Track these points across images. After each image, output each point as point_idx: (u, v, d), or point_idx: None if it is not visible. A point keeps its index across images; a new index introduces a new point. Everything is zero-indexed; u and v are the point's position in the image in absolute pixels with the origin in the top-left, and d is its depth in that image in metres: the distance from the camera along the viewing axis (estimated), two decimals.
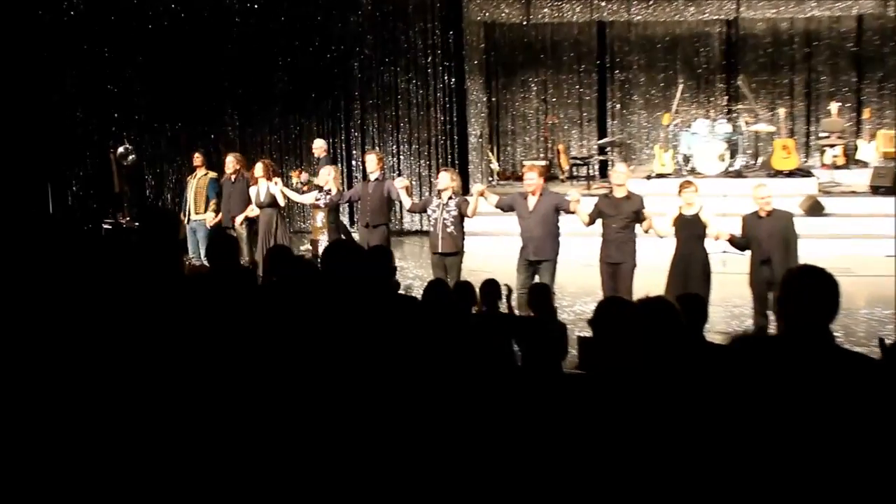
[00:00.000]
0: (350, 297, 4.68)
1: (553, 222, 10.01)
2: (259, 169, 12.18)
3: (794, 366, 3.21)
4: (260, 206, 12.16)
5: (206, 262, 5.93)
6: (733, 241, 9.56)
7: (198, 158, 13.15)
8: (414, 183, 17.65)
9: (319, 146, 15.09)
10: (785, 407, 3.17)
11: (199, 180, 12.97)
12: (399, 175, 16.71)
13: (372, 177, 11.40)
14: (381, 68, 17.78)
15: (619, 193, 9.89)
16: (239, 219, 12.45)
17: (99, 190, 16.53)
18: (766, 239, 9.31)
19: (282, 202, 12.14)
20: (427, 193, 16.66)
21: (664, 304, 3.95)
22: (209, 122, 17.70)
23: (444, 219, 10.26)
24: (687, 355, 3.65)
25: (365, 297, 4.73)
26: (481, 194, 10.27)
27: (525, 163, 17.48)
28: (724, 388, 3.30)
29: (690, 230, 9.54)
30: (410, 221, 17.48)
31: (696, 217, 9.55)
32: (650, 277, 9.98)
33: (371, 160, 11.47)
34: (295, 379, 4.05)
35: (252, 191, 12.33)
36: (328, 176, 11.71)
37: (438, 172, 11.15)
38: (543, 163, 18.52)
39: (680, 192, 9.68)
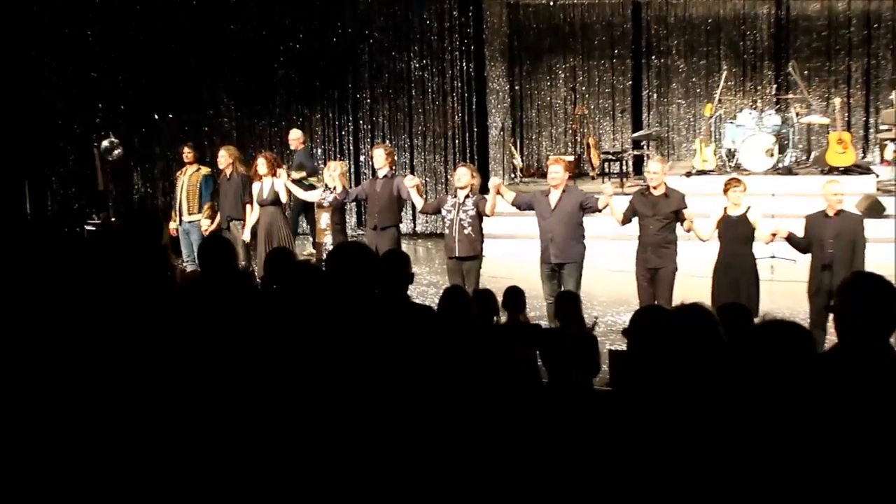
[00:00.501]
0: (358, 307, 4.69)
1: (577, 222, 10.00)
2: (262, 165, 12.18)
3: (848, 383, 3.20)
4: (262, 204, 12.17)
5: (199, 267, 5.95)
6: (792, 241, 9.49)
7: (188, 153, 13.08)
8: (427, 180, 17.70)
9: (296, 137, 15.09)
10: (834, 432, 3.16)
11: (190, 177, 12.95)
12: (411, 173, 16.74)
13: (380, 174, 11.39)
14: (392, 53, 17.82)
15: (657, 190, 9.88)
16: (246, 234, 12.43)
17: (81, 188, 16.60)
18: (832, 242, 9.22)
19: (284, 198, 12.14)
20: (444, 193, 16.67)
21: (703, 311, 3.94)
22: (203, 112, 17.76)
23: (461, 219, 10.24)
24: (728, 371, 3.64)
25: (375, 306, 4.74)
26: (498, 190, 10.26)
27: (550, 157, 17.47)
28: (767, 411, 3.28)
29: (737, 232, 9.52)
30: (425, 222, 17.49)
31: (743, 218, 9.52)
32: (692, 285, 9.97)
33: (379, 155, 11.47)
34: (294, 399, 4.06)
35: (255, 187, 12.36)
36: (334, 172, 11.71)
37: (455, 168, 11.14)
38: (571, 158, 18.50)
39: (726, 190, 9.65)
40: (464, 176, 10.39)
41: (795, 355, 3.30)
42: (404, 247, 12.84)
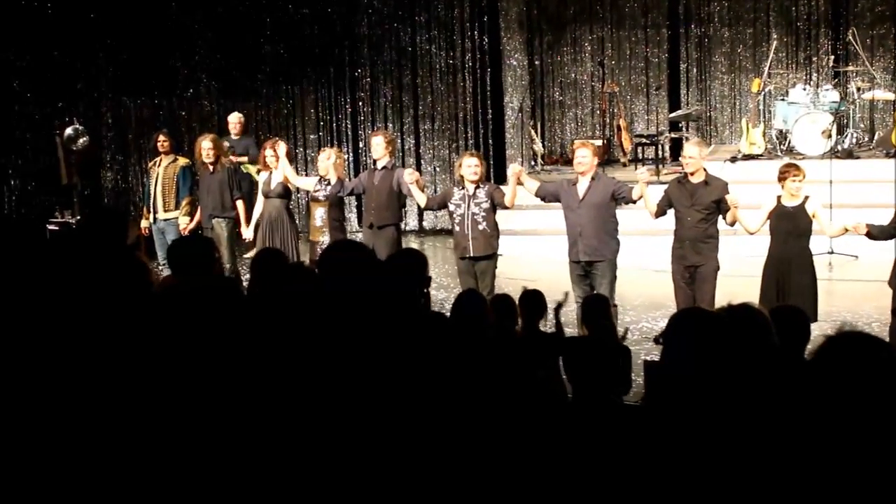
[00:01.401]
0: (357, 314, 4.70)
1: (609, 214, 9.98)
2: (271, 154, 12.17)
3: None
4: (266, 196, 12.22)
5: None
6: (873, 234, 9.44)
7: (163, 142, 13.07)
8: (436, 170, 17.73)
9: (235, 120, 15.05)
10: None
11: (165, 169, 12.97)
12: (416, 162, 16.78)
13: (379, 164, 11.34)
14: (394, 25, 17.84)
15: (695, 178, 9.86)
16: (249, 231, 12.50)
17: (43, 183, 16.64)
18: None
19: (292, 183, 12.15)
20: (450, 184, 16.66)
21: (753, 313, 3.92)
22: (180, 94, 17.81)
23: (474, 213, 10.22)
24: (782, 384, 3.63)
25: (377, 313, 4.75)
26: (518, 178, 10.23)
27: (576, 140, 17.51)
28: (838, 440, 3.26)
29: (793, 226, 9.48)
30: (434, 219, 17.50)
31: (800, 209, 9.49)
32: (737, 285, 9.96)
33: (377, 143, 11.32)
34: (280, 423, 4.08)
35: (261, 177, 12.42)
36: (328, 162, 11.70)
37: (461, 157, 11.00)
38: (599, 142, 18.53)
39: (782, 178, 9.60)
40: (477, 167, 10.32)
41: (876, 377, 3.29)
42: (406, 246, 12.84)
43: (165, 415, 4.14)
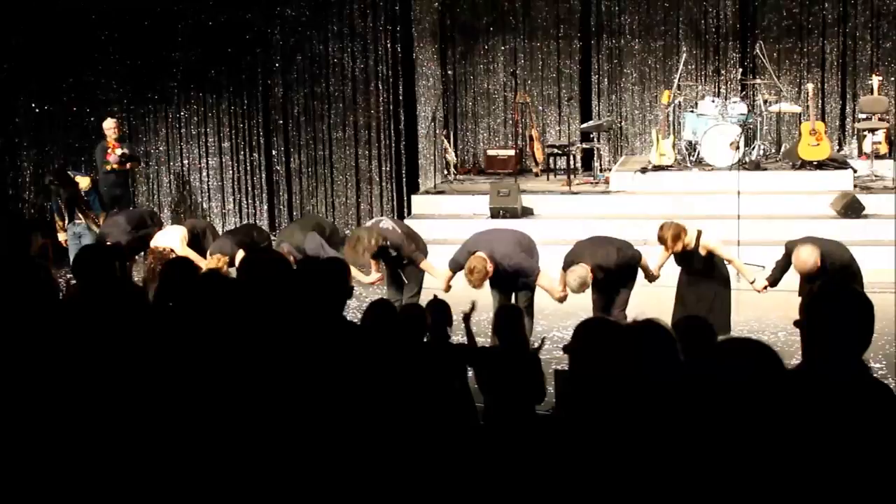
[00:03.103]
0: (272, 325, 4.69)
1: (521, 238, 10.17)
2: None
3: (815, 406, 3.26)
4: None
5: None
6: (775, 282, 9.85)
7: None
8: (347, 179, 17.73)
9: (110, 125, 14.94)
10: (804, 460, 3.22)
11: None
12: (324, 175, 16.77)
13: None
14: (307, 32, 17.77)
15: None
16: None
17: None
18: None
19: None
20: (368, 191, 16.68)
21: (655, 327, 3.98)
22: (87, 99, 17.57)
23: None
24: (683, 393, 3.69)
25: (295, 324, 4.74)
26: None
27: (490, 151, 17.59)
28: (730, 438, 3.32)
29: (693, 265, 9.77)
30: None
31: (692, 251, 9.74)
32: (655, 296, 10.09)
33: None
34: (186, 426, 4.06)
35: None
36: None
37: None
38: (511, 152, 18.64)
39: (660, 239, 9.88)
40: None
41: (761, 377, 3.34)
42: None
43: (69, 422, 4.10)
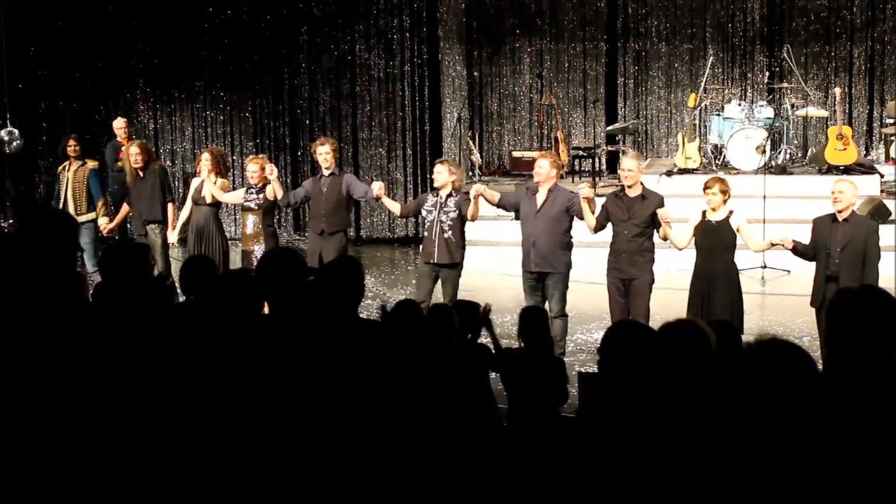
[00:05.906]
0: (293, 324, 4.69)
1: (564, 228, 10.08)
2: (206, 162, 11.98)
3: (840, 410, 3.23)
4: (196, 202, 12.07)
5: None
6: (797, 251, 9.52)
7: (73, 146, 13.11)
8: (373, 178, 17.71)
9: (120, 125, 14.88)
10: (836, 463, 3.19)
11: (75, 173, 13.04)
12: (355, 168, 16.77)
13: (326, 171, 11.36)
14: (334, 34, 17.80)
15: (632, 191, 9.91)
16: (174, 235, 12.35)
17: None
18: (839, 251, 9.22)
19: (210, 197, 11.98)
20: (393, 193, 16.68)
21: (693, 329, 3.94)
22: (115, 98, 17.64)
23: (441, 221, 10.35)
24: (719, 396, 3.66)
25: (313, 322, 4.74)
26: (478, 197, 10.27)
27: (516, 152, 17.50)
28: (762, 444, 3.29)
29: (715, 240, 9.55)
30: (370, 228, 17.51)
31: (724, 224, 9.55)
32: (672, 298, 10.03)
33: (324, 152, 11.30)
34: (203, 430, 4.06)
35: (193, 182, 12.30)
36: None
37: (433, 165, 11.12)
38: (537, 154, 18.58)
39: (705, 189, 9.68)
40: (440, 174, 10.46)
41: (793, 379, 3.32)
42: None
43: (102, 423, 4.11)
